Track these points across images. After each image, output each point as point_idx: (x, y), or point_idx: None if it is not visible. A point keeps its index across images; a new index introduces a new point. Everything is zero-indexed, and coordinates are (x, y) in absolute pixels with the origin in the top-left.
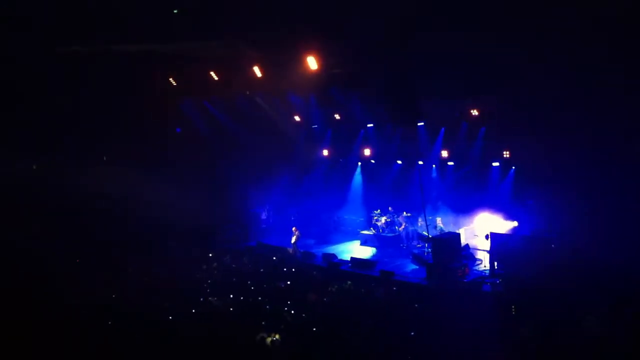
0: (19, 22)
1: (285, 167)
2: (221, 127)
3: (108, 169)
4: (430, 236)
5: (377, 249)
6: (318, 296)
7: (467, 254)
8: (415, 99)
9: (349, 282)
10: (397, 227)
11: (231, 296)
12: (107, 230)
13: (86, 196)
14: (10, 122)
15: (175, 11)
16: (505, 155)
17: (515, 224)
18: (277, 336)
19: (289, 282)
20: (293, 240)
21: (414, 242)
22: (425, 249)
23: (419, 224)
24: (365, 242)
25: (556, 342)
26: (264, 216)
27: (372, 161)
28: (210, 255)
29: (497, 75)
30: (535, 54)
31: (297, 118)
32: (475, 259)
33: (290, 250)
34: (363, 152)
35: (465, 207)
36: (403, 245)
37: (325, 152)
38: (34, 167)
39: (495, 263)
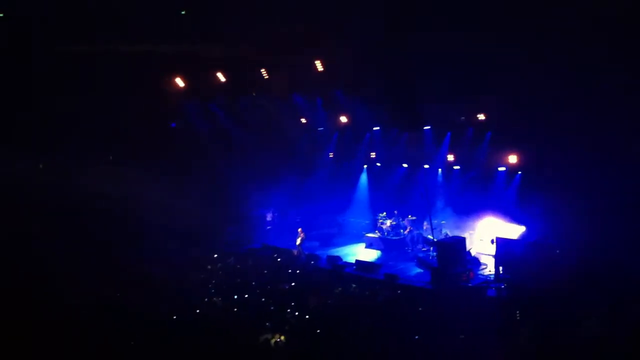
0: (19, 22)
1: (291, 169)
2: (226, 129)
3: (111, 169)
4: (435, 240)
5: (382, 252)
6: (322, 298)
7: (471, 259)
8: (421, 103)
9: (354, 285)
10: (402, 231)
11: (235, 297)
12: (108, 231)
13: (88, 196)
14: (10, 122)
15: (183, 12)
16: (511, 160)
17: (524, 228)
18: (282, 337)
19: (293, 284)
20: (298, 242)
21: (419, 246)
22: (430, 253)
23: (424, 228)
24: (370, 245)
25: (560, 346)
26: (268, 218)
27: (378, 164)
28: (215, 256)
29: (501, 79)
30: (538, 56)
31: (303, 120)
32: (480, 263)
33: (295, 252)
34: (369, 156)
35: (471, 211)
36: (408, 249)
37: (331, 155)
38: (40, 166)
39: (501, 268)
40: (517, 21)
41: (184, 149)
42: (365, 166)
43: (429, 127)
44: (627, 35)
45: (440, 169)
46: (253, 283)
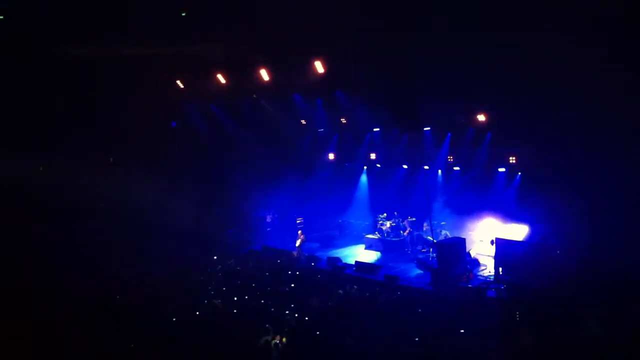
0: (19, 23)
1: (291, 171)
2: (226, 131)
3: (111, 170)
4: (435, 241)
5: (381, 253)
6: (322, 300)
7: (471, 260)
8: (421, 104)
9: (355, 287)
10: (402, 232)
11: (235, 299)
12: (108, 231)
13: (88, 197)
14: (9, 122)
15: (183, 14)
16: (511, 161)
17: (524, 229)
18: (283, 339)
19: (293, 285)
20: (298, 243)
21: (419, 247)
22: (430, 254)
23: (424, 229)
24: (370, 246)
25: (561, 347)
26: (269, 220)
27: (378, 165)
28: (215, 257)
29: (501, 80)
30: (538, 56)
31: (303, 122)
32: (480, 264)
33: (295, 253)
34: (369, 157)
35: (471, 212)
36: (408, 250)
37: (331, 156)
38: (40, 168)
39: (500, 269)
40: (517, 21)
41: (184, 150)
42: (365, 167)
43: (429, 128)
44: (627, 35)
45: (440, 170)
46: (253, 285)
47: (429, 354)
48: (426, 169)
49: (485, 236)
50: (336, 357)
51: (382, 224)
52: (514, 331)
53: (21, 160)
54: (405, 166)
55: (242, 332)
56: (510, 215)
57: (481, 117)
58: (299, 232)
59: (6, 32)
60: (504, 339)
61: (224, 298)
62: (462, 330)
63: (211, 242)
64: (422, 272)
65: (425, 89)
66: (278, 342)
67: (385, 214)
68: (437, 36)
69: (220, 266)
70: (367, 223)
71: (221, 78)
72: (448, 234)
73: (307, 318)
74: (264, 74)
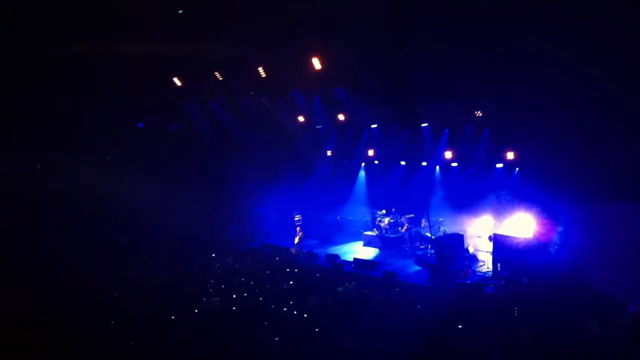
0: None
1: (290, 168)
2: (225, 128)
3: (110, 169)
4: (433, 237)
5: (380, 250)
6: (321, 297)
7: (469, 256)
8: (419, 100)
9: (353, 283)
10: (400, 228)
11: (234, 296)
12: (106, 230)
13: (86, 196)
14: (7, 122)
15: (180, 12)
16: (509, 157)
17: (524, 227)
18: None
19: (291, 283)
20: (296, 240)
21: (417, 244)
22: (428, 251)
23: (422, 225)
24: (368, 243)
25: (557, 343)
26: (268, 217)
27: (376, 162)
28: (214, 255)
29: (499, 76)
30: (537, 53)
31: (301, 118)
32: (478, 260)
33: (293, 250)
34: (367, 153)
35: (469, 208)
36: (406, 247)
37: (329, 153)
38: (38, 166)
39: (498, 265)
40: (515, 19)
41: (183, 148)
42: (363, 164)
43: (426, 125)
44: (626, 34)
45: (438, 166)
46: (252, 282)
47: (427, 350)
48: (424, 165)
49: (484, 232)
50: (334, 354)
51: (380, 221)
52: (512, 327)
53: (17, 159)
54: (403, 163)
55: (240, 330)
56: (508, 211)
57: (479, 113)
58: (298, 229)
59: (1, 30)
60: (503, 335)
61: (222, 296)
62: (460, 326)
63: (210, 240)
64: (420, 268)
65: (424, 85)
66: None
67: (384, 211)
68: (435, 32)
69: (219, 264)
70: (365, 220)
71: (219, 76)
72: (446, 230)
73: (305, 315)
74: (262, 72)
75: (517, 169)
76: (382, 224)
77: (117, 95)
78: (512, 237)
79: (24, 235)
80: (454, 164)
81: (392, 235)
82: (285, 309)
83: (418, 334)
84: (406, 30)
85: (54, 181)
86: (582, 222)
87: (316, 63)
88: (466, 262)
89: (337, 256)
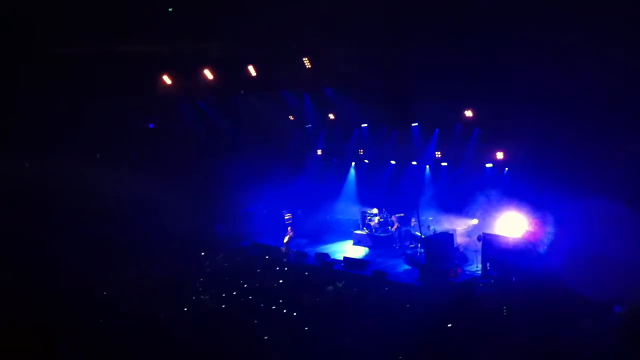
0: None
1: (279, 167)
2: (215, 127)
3: (100, 168)
4: (423, 236)
5: (369, 249)
6: (310, 296)
7: (459, 255)
8: (410, 100)
9: (343, 282)
10: (390, 227)
11: (223, 295)
12: (93, 229)
13: (78, 195)
14: (6, 121)
15: (170, 10)
16: (498, 157)
17: (513, 226)
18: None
19: (281, 281)
20: (286, 240)
21: (407, 243)
22: (418, 250)
23: (412, 224)
24: (358, 242)
25: (545, 342)
26: (257, 216)
27: (366, 161)
28: (203, 254)
29: (489, 76)
30: (529, 53)
31: (291, 117)
32: (468, 260)
33: (283, 249)
34: (357, 152)
35: (459, 208)
36: (396, 246)
37: (319, 152)
38: (26, 164)
39: (488, 264)
40: (507, 17)
41: (172, 147)
42: (353, 163)
43: (416, 124)
44: (619, 32)
45: (428, 166)
46: (241, 281)
47: (416, 349)
48: (414, 165)
49: (473, 231)
50: (324, 352)
51: (370, 220)
52: (502, 326)
53: (17, 159)
54: (393, 162)
55: (230, 328)
56: (498, 211)
57: (469, 113)
58: (288, 228)
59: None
60: (492, 334)
61: (212, 294)
62: (450, 325)
63: (200, 238)
64: (410, 267)
65: (414, 85)
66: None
67: (375, 210)
68: (427, 33)
69: (208, 262)
70: (355, 219)
71: (209, 74)
72: (436, 229)
73: (294, 313)
74: (252, 70)
75: (506, 169)
76: (372, 223)
77: (113, 95)
78: (501, 236)
79: (24, 235)
80: (444, 164)
81: (382, 234)
82: (273, 307)
83: (407, 332)
84: (400, 29)
85: (53, 181)
86: (571, 222)
87: (306, 62)
88: (456, 261)
89: (326, 255)
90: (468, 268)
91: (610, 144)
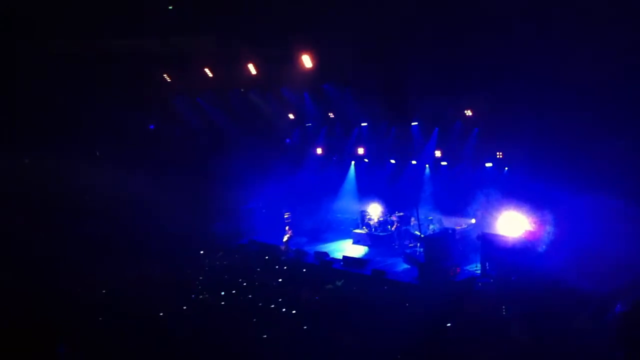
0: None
1: (279, 165)
2: (214, 124)
3: (98, 166)
4: (422, 235)
5: (369, 247)
6: (309, 294)
7: (458, 254)
8: (410, 98)
9: (342, 281)
10: (389, 226)
11: (222, 293)
12: (90, 228)
13: (76, 193)
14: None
15: (170, 7)
16: (498, 156)
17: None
18: None
19: (280, 280)
20: (285, 238)
21: (406, 242)
22: (418, 249)
23: (412, 223)
24: (357, 240)
25: (547, 340)
26: (256, 213)
27: (366, 160)
28: (202, 252)
29: (490, 75)
30: (527, 50)
31: (291, 115)
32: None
33: (282, 247)
34: (357, 151)
35: (458, 207)
36: (395, 245)
37: (319, 150)
38: (26, 160)
39: (487, 263)
40: (506, 16)
41: (171, 145)
42: (352, 161)
43: (416, 123)
44: (616, 31)
45: (427, 165)
46: (240, 280)
47: (415, 348)
48: (414, 164)
49: (473, 231)
50: (323, 351)
51: (369, 219)
52: (501, 325)
53: (16, 159)
54: (393, 161)
55: (230, 327)
56: (497, 210)
57: (468, 112)
58: (287, 227)
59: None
60: (492, 333)
61: (211, 292)
62: (449, 324)
63: (199, 237)
64: (409, 266)
65: (414, 83)
66: None
67: (376, 204)
68: (426, 32)
69: (207, 261)
70: (354, 217)
71: (208, 72)
72: (436, 228)
73: (294, 312)
74: (252, 68)
75: (506, 168)
76: (371, 222)
77: (113, 93)
78: (500, 235)
79: (24, 235)
80: (444, 163)
81: (381, 233)
82: (273, 306)
83: (406, 331)
84: (400, 27)
85: (53, 181)
86: (571, 221)
87: (306, 60)
88: (455, 260)
89: (326, 254)
90: (467, 267)
91: (610, 141)
